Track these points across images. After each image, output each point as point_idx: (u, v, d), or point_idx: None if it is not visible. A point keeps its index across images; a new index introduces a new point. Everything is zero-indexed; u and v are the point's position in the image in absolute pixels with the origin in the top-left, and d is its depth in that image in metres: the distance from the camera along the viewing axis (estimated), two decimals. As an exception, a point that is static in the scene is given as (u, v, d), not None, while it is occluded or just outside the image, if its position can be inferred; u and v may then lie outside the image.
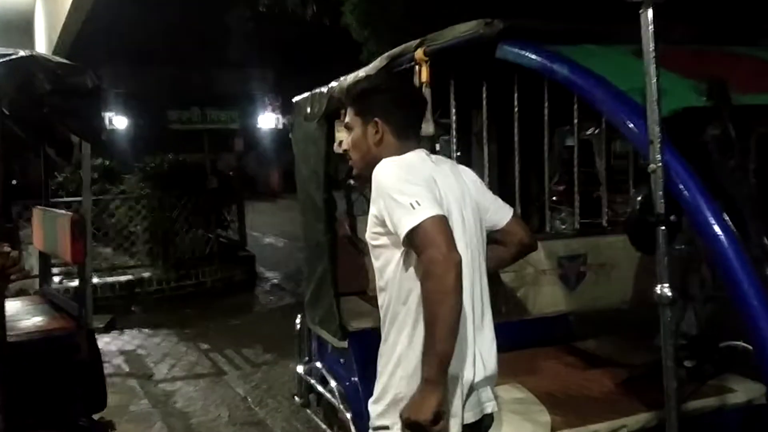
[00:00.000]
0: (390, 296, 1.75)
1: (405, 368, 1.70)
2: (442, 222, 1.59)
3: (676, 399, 1.56)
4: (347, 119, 1.96)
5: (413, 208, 1.59)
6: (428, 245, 1.56)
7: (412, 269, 1.69)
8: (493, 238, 1.99)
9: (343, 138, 2.96)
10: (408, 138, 1.88)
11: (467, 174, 1.96)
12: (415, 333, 1.68)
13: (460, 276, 1.56)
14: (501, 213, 1.99)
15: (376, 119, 1.86)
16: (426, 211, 1.58)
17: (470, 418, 1.76)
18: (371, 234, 1.76)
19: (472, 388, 1.75)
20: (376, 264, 1.79)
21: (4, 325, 2.24)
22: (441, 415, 1.58)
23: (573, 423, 2.10)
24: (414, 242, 1.59)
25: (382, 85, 1.98)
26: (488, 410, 1.82)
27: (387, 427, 1.73)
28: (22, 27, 12.87)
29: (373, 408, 1.80)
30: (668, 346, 1.54)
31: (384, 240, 1.72)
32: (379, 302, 1.81)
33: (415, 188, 1.64)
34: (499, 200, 2.02)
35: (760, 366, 1.44)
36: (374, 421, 1.79)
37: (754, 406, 2.25)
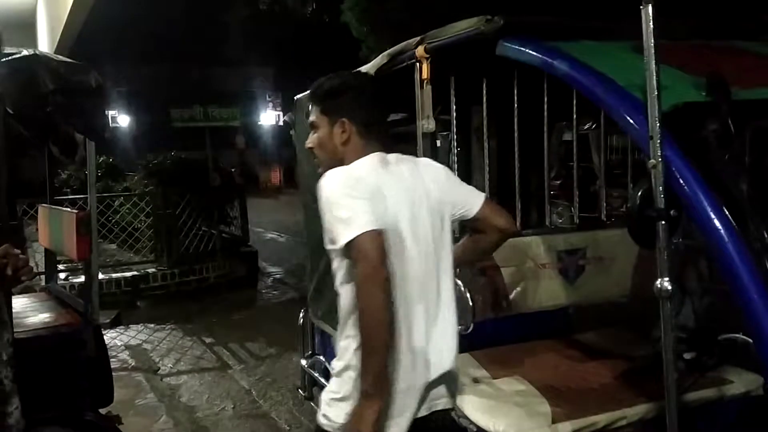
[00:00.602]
0: (343, 300, 1.79)
1: (353, 371, 1.74)
2: (375, 237, 1.64)
3: (676, 390, 1.59)
4: (312, 117, 1.96)
5: (350, 222, 1.65)
6: (361, 259, 1.63)
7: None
8: (472, 227, 2.01)
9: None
10: (373, 138, 1.89)
11: (431, 171, 1.96)
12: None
13: (389, 291, 1.64)
14: (471, 201, 1.97)
15: (343, 119, 1.87)
16: (361, 226, 1.64)
17: (419, 413, 1.80)
18: (326, 240, 1.79)
19: (420, 390, 1.79)
20: (333, 267, 1.82)
21: (12, 322, 2.27)
22: (380, 427, 1.66)
23: (573, 414, 2.12)
24: (350, 255, 1.66)
25: (349, 84, 1.96)
26: (439, 407, 1.85)
27: (328, 417, 1.79)
28: (24, 26, 12.87)
29: (324, 398, 1.85)
30: (668, 339, 1.57)
31: (334, 247, 1.75)
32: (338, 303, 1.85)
33: (354, 202, 1.68)
34: (470, 189, 2.01)
35: (759, 358, 1.46)
36: (320, 411, 1.84)
37: (752, 397, 2.28)
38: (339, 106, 1.89)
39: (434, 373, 1.82)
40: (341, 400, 1.76)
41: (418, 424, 1.80)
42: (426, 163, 2.01)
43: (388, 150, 1.91)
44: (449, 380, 1.88)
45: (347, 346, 1.77)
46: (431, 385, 1.82)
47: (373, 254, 1.63)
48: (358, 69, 2.72)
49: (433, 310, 1.83)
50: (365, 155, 1.85)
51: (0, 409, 1.89)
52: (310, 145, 1.97)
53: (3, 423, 1.86)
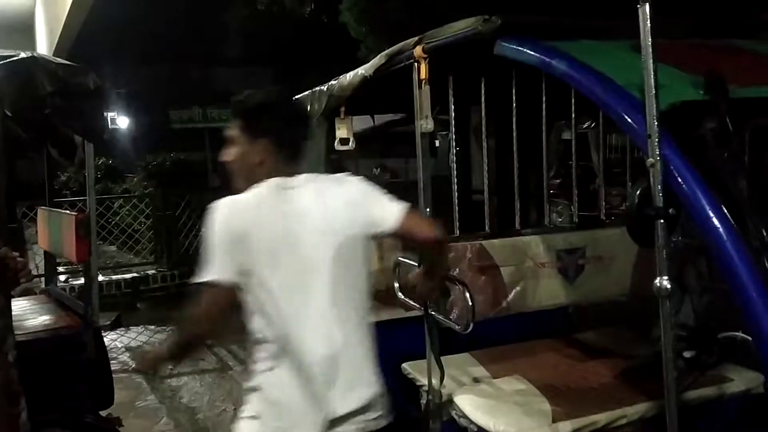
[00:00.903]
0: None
1: (262, 392, 1.83)
2: (213, 291, 1.80)
3: (676, 389, 1.59)
4: (230, 130, 1.96)
5: (206, 266, 1.81)
6: (203, 299, 1.81)
7: (248, 307, 1.84)
8: (401, 241, 2.04)
9: (343, 134, 2.98)
10: (288, 160, 1.91)
11: (343, 191, 1.94)
12: (274, 363, 1.81)
13: (207, 328, 1.86)
14: (388, 216, 1.91)
15: (261, 139, 1.88)
16: (209, 274, 1.80)
17: None
18: None
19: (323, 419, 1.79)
20: None
21: (12, 325, 2.27)
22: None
23: (573, 413, 2.13)
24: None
25: (270, 104, 1.96)
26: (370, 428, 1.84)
27: None
28: (22, 28, 12.87)
29: (239, 416, 1.90)
30: (667, 337, 1.57)
31: None
32: None
33: (215, 248, 1.81)
34: (388, 204, 1.94)
35: (759, 356, 1.46)
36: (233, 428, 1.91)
37: (752, 395, 2.28)
38: (258, 126, 1.90)
39: (342, 400, 1.81)
40: (252, 418, 1.83)
41: None
42: (339, 182, 1.98)
43: (301, 170, 1.93)
44: (367, 405, 1.86)
45: (255, 369, 1.84)
46: (341, 412, 1.81)
47: (204, 300, 1.80)
48: (356, 69, 2.72)
49: (338, 331, 1.83)
50: (275, 176, 1.88)
51: (10, 410, 1.89)
52: (227, 159, 1.97)
53: (13, 424, 1.86)
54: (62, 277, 6.68)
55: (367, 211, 1.92)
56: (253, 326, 1.84)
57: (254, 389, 1.85)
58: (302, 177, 1.92)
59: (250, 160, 1.90)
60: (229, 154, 1.95)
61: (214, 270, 1.79)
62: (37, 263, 7.63)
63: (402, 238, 2.01)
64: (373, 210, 1.93)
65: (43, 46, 12.24)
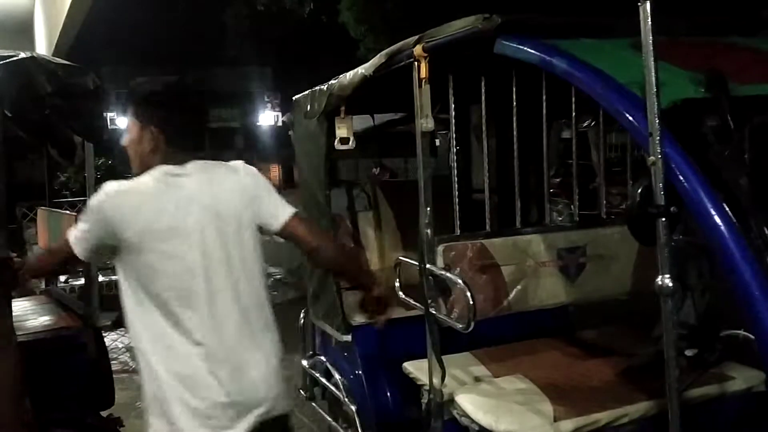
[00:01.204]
0: None
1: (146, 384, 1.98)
2: (62, 245, 2.03)
3: (678, 387, 1.59)
4: (127, 118, 2.05)
5: (74, 228, 1.99)
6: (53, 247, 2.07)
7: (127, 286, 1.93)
8: (285, 240, 2.09)
9: (343, 133, 2.98)
10: (179, 149, 1.99)
11: (234, 180, 2.03)
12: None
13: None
14: (276, 215, 2.04)
15: (152, 128, 1.96)
16: (69, 235, 1.98)
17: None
18: None
19: (207, 411, 1.84)
20: None
21: (13, 326, 2.28)
22: None
23: (575, 412, 2.12)
24: None
25: (165, 94, 2.05)
26: (261, 416, 1.90)
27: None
28: (21, 29, 12.86)
29: None
30: (669, 336, 1.56)
31: None
32: None
33: (83, 220, 1.97)
34: (280, 203, 2.06)
35: (761, 354, 1.46)
36: None
37: (754, 393, 2.28)
38: (152, 115, 1.97)
39: (237, 383, 1.87)
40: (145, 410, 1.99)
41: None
42: (234, 170, 2.06)
43: (197, 158, 2.00)
44: (262, 389, 1.92)
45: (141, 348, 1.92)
46: (236, 396, 1.87)
47: (56, 246, 2.14)
48: (356, 68, 2.71)
49: (230, 316, 1.90)
50: (166, 164, 1.96)
51: (14, 411, 1.89)
52: (124, 144, 2.07)
53: (18, 424, 1.86)
54: (62, 278, 6.66)
55: (257, 205, 2.02)
56: (128, 304, 1.91)
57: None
58: (193, 164, 1.98)
59: (142, 147, 1.99)
60: (125, 141, 2.05)
61: (74, 234, 1.96)
62: (37, 264, 7.64)
63: (287, 238, 2.08)
64: (264, 205, 2.04)
65: (43, 47, 12.23)
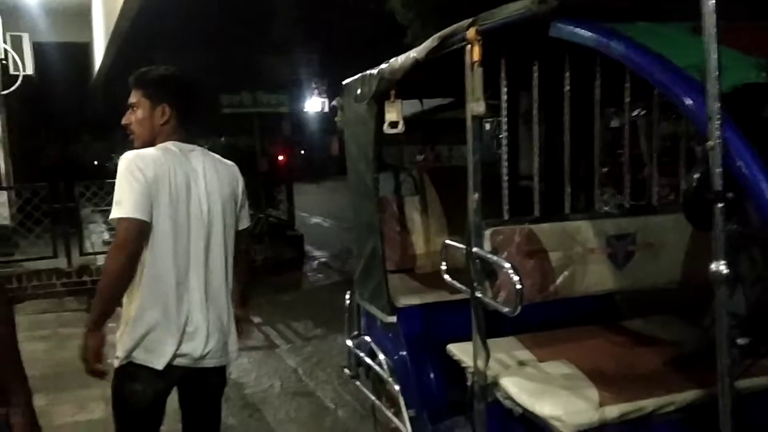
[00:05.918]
0: None
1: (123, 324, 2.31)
2: (131, 224, 2.16)
3: (730, 376, 1.57)
4: (133, 99, 2.36)
5: (118, 204, 2.17)
6: (117, 235, 2.18)
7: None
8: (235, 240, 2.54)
9: (392, 117, 3.02)
10: (186, 125, 2.39)
11: (229, 171, 2.51)
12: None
13: (128, 264, 2.19)
14: (243, 219, 2.56)
15: (165, 105, 2.34)
16: (124, 212, 2.15)
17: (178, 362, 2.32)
18: None
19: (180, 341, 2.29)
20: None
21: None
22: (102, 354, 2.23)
23: (620, 399, 2.12)
24: (115, 228, 2.21)
25: (174, 76, 2.40)
26: (210, 364, 2.44)
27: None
28: (80, 11, 13.27)
29: None
30: (722, 323, 1.55)
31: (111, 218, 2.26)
32: None
33: (128, 187, 2.15)
34: (246, 210, 2.58)
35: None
36: None
37: (808, 386, 2.23)
38: (164, 93, 2.35)
39: (203, 331, 2.34)
40: (118, 341, 2.30)
41: (191, 375, 2.39)
42: (227, 165, 2.53)
43: (193, 139, 2.42)
44: (222, 341, 2.43)
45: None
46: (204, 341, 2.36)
47: (123, 235, 2.15)
48: (407, 52, 2.73)
49: (207, 276, 2.35)
50: (172, 139, 2.33)
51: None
52: (126, 123, 2.40)
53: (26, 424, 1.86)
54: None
55: (238, 203, 2.50)
56: (144, 259, 2.23)
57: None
58: (196, 147, 2.41)
59: (154, 123, 2.34)
60: (129, 119, 2.38)
61: (130, 208, 2.14)
62: (92, 241, 7.94)
63: (235, 242, 2.51)
64: (239, 206, 2.51)
65: (100, 31, 12.60)
